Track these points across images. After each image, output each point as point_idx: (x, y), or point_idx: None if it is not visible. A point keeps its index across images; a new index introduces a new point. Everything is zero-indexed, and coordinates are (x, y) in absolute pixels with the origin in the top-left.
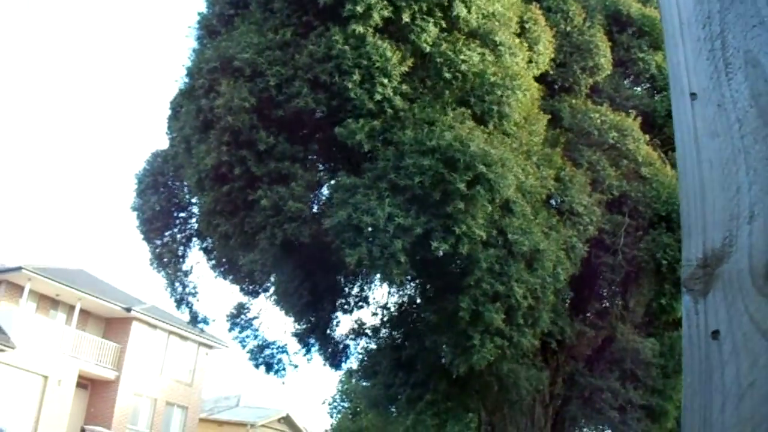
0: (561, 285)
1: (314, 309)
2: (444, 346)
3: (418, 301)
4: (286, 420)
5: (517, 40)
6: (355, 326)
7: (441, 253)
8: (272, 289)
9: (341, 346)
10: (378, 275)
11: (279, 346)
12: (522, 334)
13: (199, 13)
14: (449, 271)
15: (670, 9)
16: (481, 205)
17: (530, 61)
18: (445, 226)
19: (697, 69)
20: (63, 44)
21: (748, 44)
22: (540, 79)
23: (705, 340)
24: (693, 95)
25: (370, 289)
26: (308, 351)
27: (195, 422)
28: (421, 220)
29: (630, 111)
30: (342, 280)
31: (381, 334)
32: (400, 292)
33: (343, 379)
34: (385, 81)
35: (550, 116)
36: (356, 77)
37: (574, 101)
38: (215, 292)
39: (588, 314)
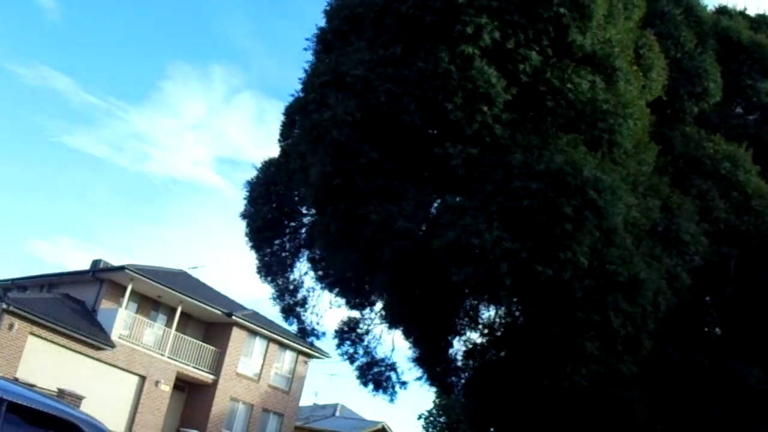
0: (662, 314)
1: (432, 334)
2: (540, 369)
3: (523, 323)
4: None
5: (634, 67)
6: (466, 348)
7: (543, 278)
8: (379, 304)
9: (452, 368)
10: (484, 297)
11: (388, 364)
12: (622, 362)
13: (317, 27)
14: (548, 296)
15: None
16: (588, 230)
17: (644, 87)
18: (551, 251)
19: None
20: None
21: None
22: (651, 105)
23: None
24: None
25: (479, 309)
26: (429, 378)
27: (290, 430)
28: (527, 244)
29: (741, 140)
30: (454, 301)
31: (487, 355)
32: (507, 314)
33: (440, 394)
34: (486, 108)
35: (660, 146)
36: (458, 99)
37: (686, 129)
38: (323, 304)
39: (695, 342)
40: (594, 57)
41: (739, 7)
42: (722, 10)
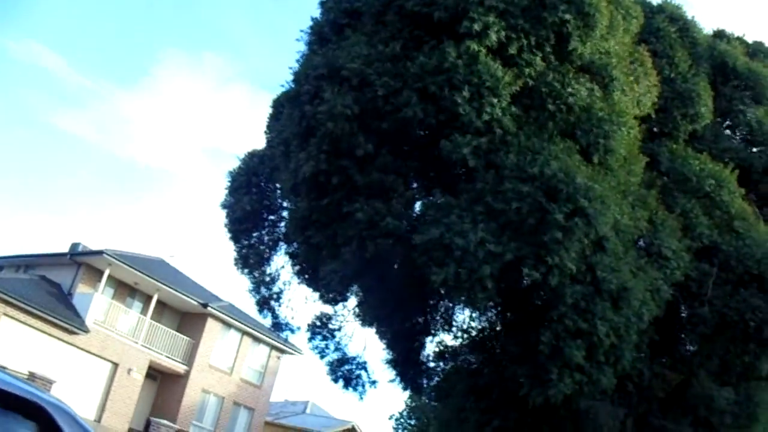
0: (644, 325)
1: (405, 335)
2: (522, 377)
3: (498, 328)
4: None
5: (630, 78)
6: (438, 349)
7: (529, 282)
8: (353, 301)
9: (423, 368)
10: (461, 299)
11: (359, 362)
12: (602, 372)
13: (312, 18)
14: (533, 302)
15: None
16: (577, 238)
17: (637, 102)
18: (538, 255)
19: None
20: None
21: None
22: (641, 121)
23: None
24: None
25: (454, 312)
26: (402, 380)
27: (260, 425)
28: (512, 246)
29: (727, 161)
30: (430, 302)
31: (459, 358)
32: (482, 318)
33: (411, 395)
34: (495, 101)
35: (648, 159)
36: (466, 93)
37: (674, 146)
38: (298, 299)
39: (667, 358)
40: (592, 66)
41: (738, 32)
42: (719, 34)
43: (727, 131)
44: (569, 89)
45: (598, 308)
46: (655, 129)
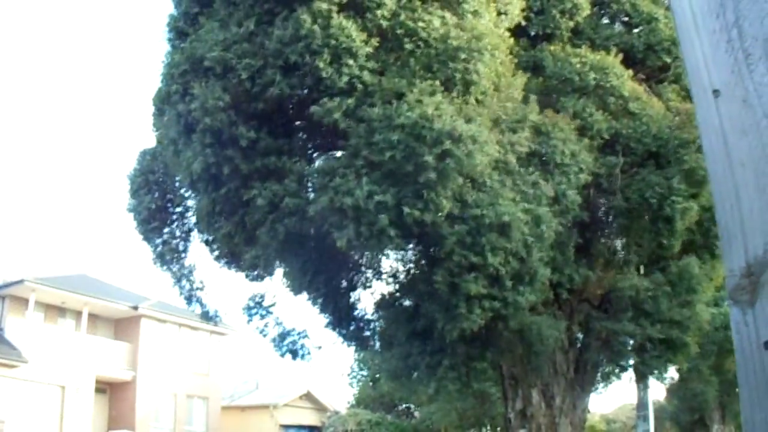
0: (549, 242)
1: (335, 296)
2: (435, 313)
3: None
4: (308, 396)
5: None
6: (376, 299)
7: (411, 221)
8: (279, 272)
9: (364, 323)
10: (373, 252)
11: (299, 333)
12: (518, 293)
13: (168, 15)
14: (429, 241)
15: (681, 0)
16: (452, 177)
17: (500, 14)
18: (416, 193)
19: (717, 63)
20: (53, 50)
21: (766, 31)
22: (517, 31)
23: (758, 351)
24: (716, 92)
25: (380, 259)
26: (345, 338)
27: (218, 411)
28: (395, 191)
29: (611, 49)
30: (354, 256)
31: (395, 303)
32: (405, 260)
33: (357, 349)
34: (351, 61)
35: (528, 73)
36: (326, 56)
37: (554, 48)
38: (222, 281)
39: (594, 257)
40: None
41: None
42: None
43: (606, 20)
44: (421, 23)
45: (483, 240)
46: (535, 33)
